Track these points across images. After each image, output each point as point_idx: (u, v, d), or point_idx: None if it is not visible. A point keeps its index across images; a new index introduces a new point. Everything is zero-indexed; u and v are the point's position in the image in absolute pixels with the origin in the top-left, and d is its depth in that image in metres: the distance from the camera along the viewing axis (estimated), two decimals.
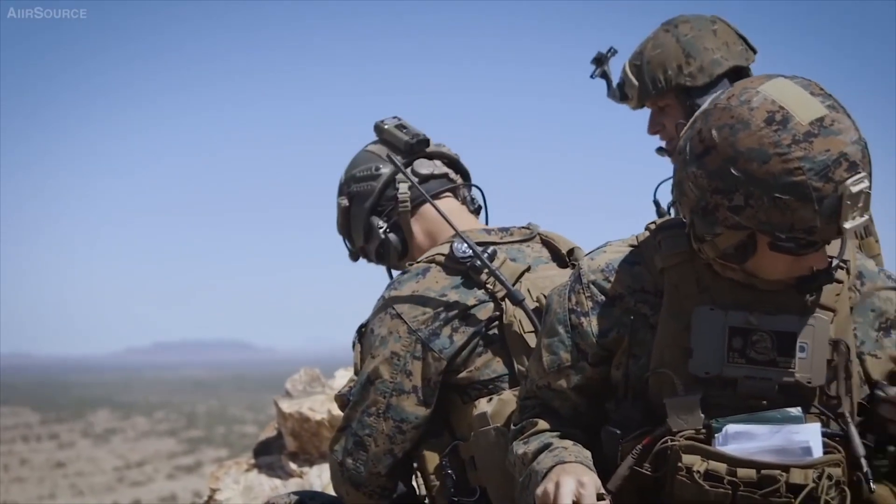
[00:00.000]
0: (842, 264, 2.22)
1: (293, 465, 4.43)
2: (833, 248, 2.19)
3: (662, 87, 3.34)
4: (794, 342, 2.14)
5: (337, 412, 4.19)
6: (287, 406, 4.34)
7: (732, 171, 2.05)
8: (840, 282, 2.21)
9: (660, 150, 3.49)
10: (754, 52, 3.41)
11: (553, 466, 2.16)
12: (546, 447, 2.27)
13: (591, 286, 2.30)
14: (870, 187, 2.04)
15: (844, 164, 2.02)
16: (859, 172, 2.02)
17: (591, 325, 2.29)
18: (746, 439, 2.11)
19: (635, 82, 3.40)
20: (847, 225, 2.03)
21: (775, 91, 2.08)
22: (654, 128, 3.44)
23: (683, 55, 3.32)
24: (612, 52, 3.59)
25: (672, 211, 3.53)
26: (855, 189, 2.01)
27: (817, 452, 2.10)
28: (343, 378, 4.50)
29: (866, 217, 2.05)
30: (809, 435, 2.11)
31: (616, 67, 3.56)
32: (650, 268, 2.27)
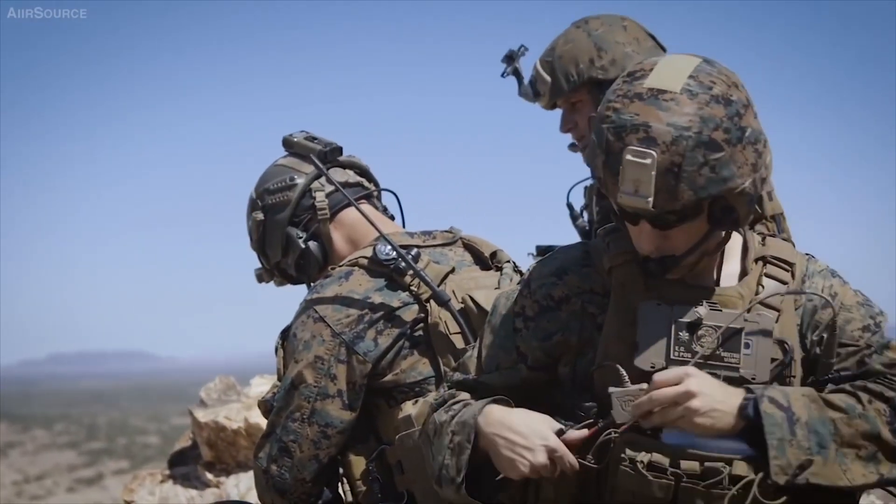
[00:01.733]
0: (785, 266, 2.25)
1: (209, 475, 4.36)
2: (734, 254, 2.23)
3: (575, 81, 3.34)
4: (739, 338, 2.15)
5: (254, 420, 4.13)
6: (202, 415, 4.26)
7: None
8: (785, 282, 2.24)
9: (572, 147, 3.50)
10: (664, 50, 3.45)
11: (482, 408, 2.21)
12: (468, 404, 2.29)
13: (538, 291, 2.30)
14: (651, 168, 2.03)
15: (640, 134, 2.04)
16: (648, 150, 2.03)
17: (537, 329, 2.29)
18: (690, 434, 2.11)
19: (547, 78, 3.40)
20: (627, 190, 2.05)
21: (667, 59, 2.14)
22: (566, 125, 3.45)
23: (595, 49, 3.33)
24: (523, 50, 3.59)
25: (584, 214, 3.56)
26: (628, 157, 2.03)
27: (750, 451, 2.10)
28: (259, 386, 4.45)
29: (642, 201, 2.05)
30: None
31: (527, 65, 3.57)
32: (599, 269, 2.28)
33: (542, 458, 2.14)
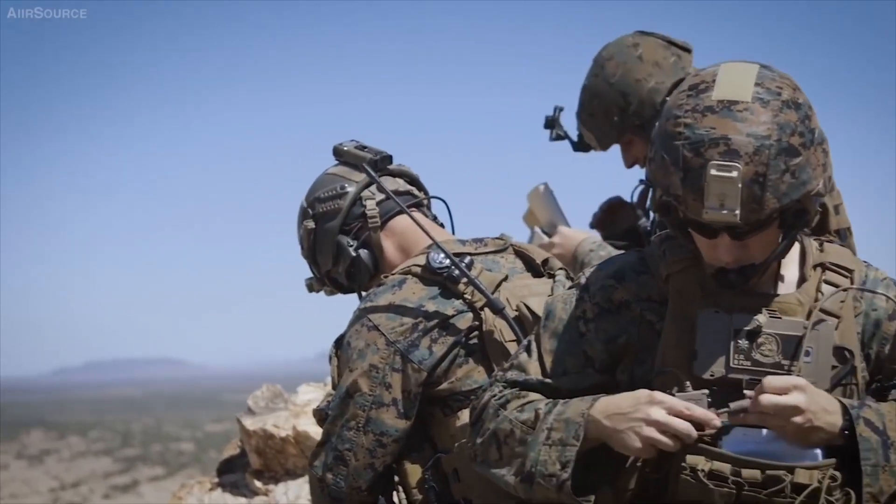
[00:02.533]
0: (844, 272, 2.24)
1: (258, 483, 4.38)
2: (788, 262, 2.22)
3: (615, 134, 3.40)
4: (799, 346, 2.13)
5: (302, 428, 4.15)
6: (250, 423, 4.29)
7: (656, 126, 2.16)
8: (844, 289, 2.22)
9: (644, 182, 3.54)
10: (688, 51, 3.44)
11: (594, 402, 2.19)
12: (558, 403, 2.24)
13: (598, 294, 2.30)
14: (737, 181, 2.02)
15: (721, 148, 2.03)
16: (732, 162, 2.02)
17: (599, 332, 2.28)
18: (751, 442, 2.11)
19: (591, 136, 3.48)
20: (712, 206, 2.03)
21: (727, 68, 2.13)
22: (629, 162, 3.50)
23: (621, 97, 3.38)
24: (559, 110, 3.65)
25: (650, 214, 3.56)
26: (714, 172, 2.02)
27: (822, 455, 2.10)
28: (306, 394, 4.47)
29: (729, 215, 2.04)
30: None
31: (567, 119, 3.64)
32: (656, 276, 2.27)
33: (652, 427, 2.10)
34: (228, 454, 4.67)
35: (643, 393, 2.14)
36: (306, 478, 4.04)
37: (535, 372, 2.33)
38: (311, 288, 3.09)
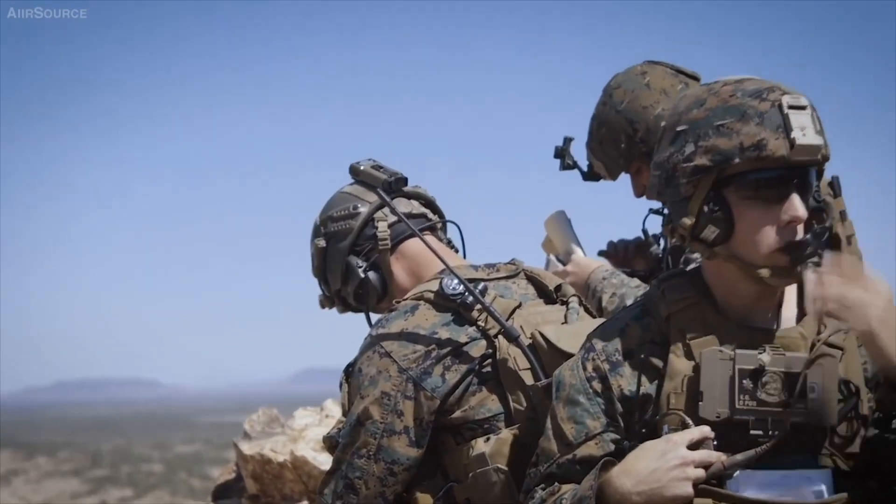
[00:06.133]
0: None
1: None
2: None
3: (623, 163, 3.40)
4: (804, 383, 2.11)
5: (300, 453, 4.12)
6: (247, 448, 4.24)
7: (678, 129, 2.16)
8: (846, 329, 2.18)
9: (655, 212, 3.54)
10: (696, 79, 3.46)
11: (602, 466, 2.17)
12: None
13: (604, 351, 2.27)
14: (811, 111, 2.11)
15: (778, 91, 2.11)
16: (796, 95, 2.11)
17: (614, 387, 2.24)
18: (758, 484, 2.10)
19: (601, 164, 3.49)
20: (799, 135, 2.07)
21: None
22: (638, 191, 3.50)
23: (628, 125, 3.40)
24: (569, 140, 3.68)
25: (661, 241, 3.55)
26: (792, 101, 2.09)
27: (829, 495, 2.10)
28: (303, 418, 4.43)
29: (818, 139, 2.10)
30: (821, 479, 2.11)
31: (578, 149, 3.64)
32: (656, 318, 2.25)
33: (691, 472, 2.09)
34: (224, 479, 4.62)
35: (657, 442, 2.12)
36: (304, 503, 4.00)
37: (554, 449, 2.28)
38: (322, 305, 3.07)
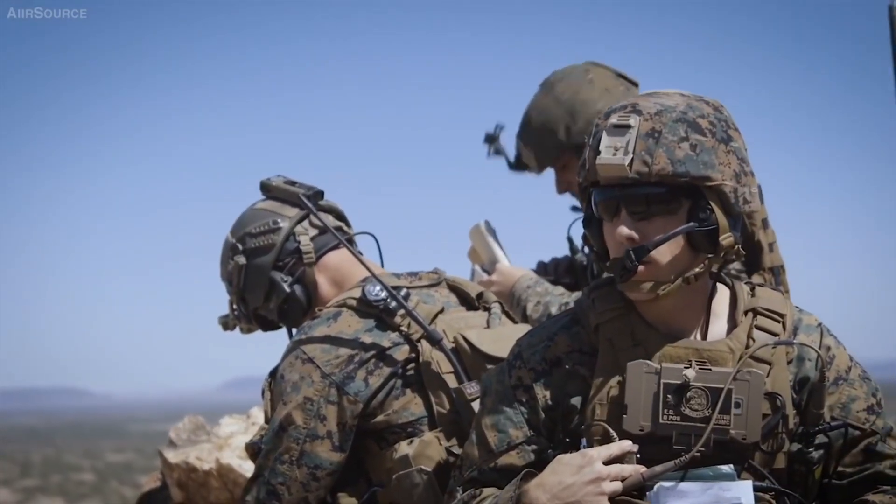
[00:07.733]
0: (776, 317, 2.23)
1: None
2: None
3: (556, 150, 3.40)
4: (729, 398, 2.11)
5: (225, 461, 4.07)
6: (173, 456, 4.19)
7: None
8: (776, 334, 2.20)
9: (575, 209, 3.55)
10: (636, 85, 3.49)
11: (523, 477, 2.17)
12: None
13: (531, 359, 2.27)
14: (633, 131, 2.09)
15: (627, 109, 2.13)
16: (632, 115, 2.10)
17: (539, 397, 2.25)
18: (677, 496, 2.10)
19: (531, 153, 3.47)
20: (600, 157, 2.09)
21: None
22: (561, 187, 3.51)
23: (568, 115, 3.38)
24: (500, 128, 3.67)
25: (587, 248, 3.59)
26: (612, 121, 2.11)
27: None
28: (229, 426, 4.39)
29: (619, 160, 2.08)
30: (741, 492, 2.10)
31: (508, 138, 3.64)
32: (585, 327, 2.26)
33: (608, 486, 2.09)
34: (149, 487, 4.58)
35: (573, 456, 2.12)
36: None
37: (476, 456, 2.28)
38: (226, 326, 3.06)
